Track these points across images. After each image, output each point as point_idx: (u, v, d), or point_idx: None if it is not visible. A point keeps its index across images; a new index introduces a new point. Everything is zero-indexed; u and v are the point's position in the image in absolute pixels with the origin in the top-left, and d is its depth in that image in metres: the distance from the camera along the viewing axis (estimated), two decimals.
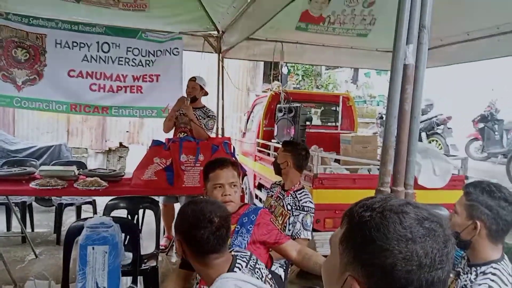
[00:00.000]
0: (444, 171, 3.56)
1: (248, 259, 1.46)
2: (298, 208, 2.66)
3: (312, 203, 2.69)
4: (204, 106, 4.05)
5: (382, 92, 12.91)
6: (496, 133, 8.17)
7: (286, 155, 2.75)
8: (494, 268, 1.46)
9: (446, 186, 3.60)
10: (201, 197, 2.27)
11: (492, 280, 1.43)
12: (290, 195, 2.74)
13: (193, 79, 3.97)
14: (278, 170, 2.85)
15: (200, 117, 3.90)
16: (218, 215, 1.35)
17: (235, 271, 1.35)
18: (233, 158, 1.83)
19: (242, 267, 1.40)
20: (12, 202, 4.23)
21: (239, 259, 1.43)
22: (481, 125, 8.40)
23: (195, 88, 3.94)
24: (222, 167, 1.96)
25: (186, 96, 3.89)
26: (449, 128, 8.78)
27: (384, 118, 7.82)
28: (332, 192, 3.51)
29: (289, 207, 2.70)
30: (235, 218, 1.94)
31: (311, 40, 4.83)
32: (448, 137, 8.54)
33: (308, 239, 2.65)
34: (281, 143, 4.75)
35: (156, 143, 3.62)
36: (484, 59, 4.19)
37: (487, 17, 3.53)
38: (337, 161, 4.50)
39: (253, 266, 1.45)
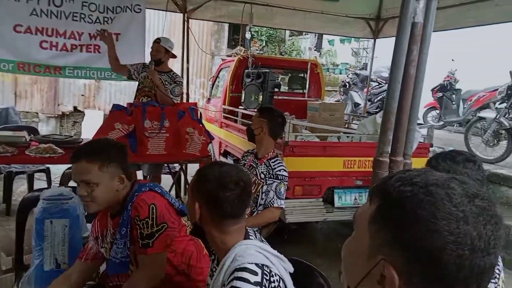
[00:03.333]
0: None
1: (254, 231, 1.44)
2: (272, 176, 2.59)
3: (286, 171, 2.63)
4: (171, 71, 3.79)
5: (345, 60, 12.96)
6: (453, 102, 8.39)
7: (262, 121, 2.64)
8: None
9: (412, 154, 3.64)
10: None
11: None
12: (263, 163, 2.66)
13: (157, 41, 3.68)
14: (251, 137, 2.75)
15: (166, 82, 3.66)
16: (243, 179, 1.32)
17: (251, 239, 1.33)
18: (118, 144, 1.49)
19: (255, 237, 1.38)
20: None
21: (249, 229, 1.41)
22: (439, 94, 8.59)
23: (159, 51, 3.66)
24: (73, 160, 1.62)
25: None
26: None
27: (347, 86, 7.84)
28: (303, 159, 3.46)
29: (262, 176, 2.62)
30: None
31: (282, 3, 4.64)
32: None
33: (282, 208, 2.61)
34: (248, 109, 4.64)
35: (117, 108, 3.38)
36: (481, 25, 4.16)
37: None
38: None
39: (259, 238, 1.43)
